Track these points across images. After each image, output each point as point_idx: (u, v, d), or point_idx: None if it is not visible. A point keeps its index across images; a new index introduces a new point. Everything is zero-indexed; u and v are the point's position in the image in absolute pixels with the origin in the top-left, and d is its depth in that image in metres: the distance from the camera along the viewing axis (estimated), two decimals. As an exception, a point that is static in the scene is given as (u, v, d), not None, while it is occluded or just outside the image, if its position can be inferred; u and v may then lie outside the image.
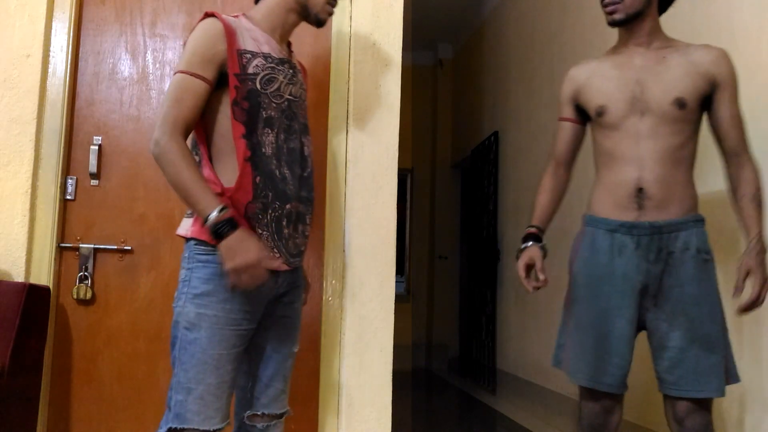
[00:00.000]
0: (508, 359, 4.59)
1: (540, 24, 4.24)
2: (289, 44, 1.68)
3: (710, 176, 2.30)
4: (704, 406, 1.62)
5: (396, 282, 2.19)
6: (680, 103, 1.66)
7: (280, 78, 1.55)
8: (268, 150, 1.50)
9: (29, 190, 2.05)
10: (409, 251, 6.49)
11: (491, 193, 5.01)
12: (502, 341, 4.73)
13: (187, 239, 1.50)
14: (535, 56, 4.30)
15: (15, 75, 2.08)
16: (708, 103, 1.71)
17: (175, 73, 1.47)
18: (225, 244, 1.37)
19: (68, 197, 2.11)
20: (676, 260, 1.65)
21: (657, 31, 1.75)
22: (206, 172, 1.48)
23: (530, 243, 1.84)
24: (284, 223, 1.53)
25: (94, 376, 2.09)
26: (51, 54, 2.12)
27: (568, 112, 1.86)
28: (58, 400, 2.07)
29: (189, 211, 1.51)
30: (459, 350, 6.09)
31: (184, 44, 1.52)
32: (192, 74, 1.45)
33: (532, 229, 1.87)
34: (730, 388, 1.62)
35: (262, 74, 1.51)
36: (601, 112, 1.73)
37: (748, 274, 1.61)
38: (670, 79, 1.68)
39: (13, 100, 2.07)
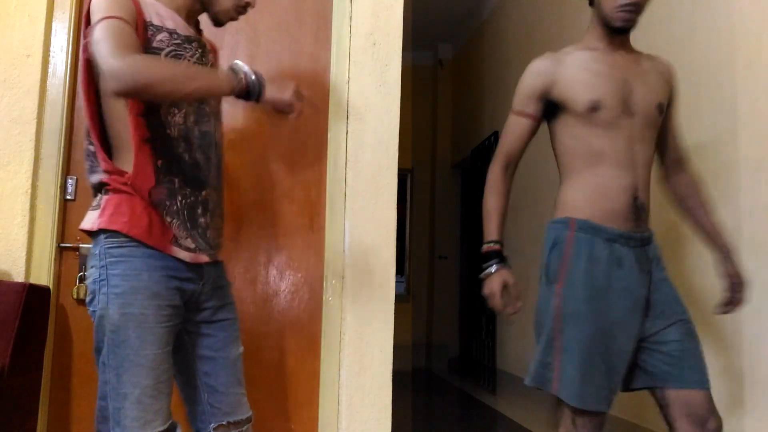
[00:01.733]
0: (508, 359, 4.59)
1: (540, 24, 4.24)
2: (197, 23, 1.57)
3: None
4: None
5: (396, 282, 2.18)
6: (661, 109, 1.68)
7: (188, 56, 1.44)
8: (173, 131, 1.39)
9: (29, 190, 2.05)
10: (409, 251, 6.49)
11: (491, 193, 5.00)
12: (502, 341, 4.73)
13: (95, 233, 1.36)
14: (535, 56, 4.29)
15: (15, 75, 2.08)
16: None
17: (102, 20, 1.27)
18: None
19: (68, 197, 2.11)
20: (654, 269, 1.66)
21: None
22: (104, 164, 1.36)
23: (495, 264, 1.70)
24: (200, 211, 1.44)
25: (94, 376, 2.08)
26: (51, 54, 2.12)
27: (533, 108, 1.72)
28: (58, 400, 2.07)
29: (94, 203, 1.40)
30: (459, 350, 6.09)
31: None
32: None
33: (495, 246, 1.73)
34: None
35: (167, 50, 1.39)
36: (596, 107, 1.63)
37: (737, 283, 1.72)
38: (651, 83, 1.68)
39: (13, 100, 2.07)
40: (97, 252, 1.36)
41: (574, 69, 1.68)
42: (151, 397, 1.34)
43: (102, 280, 1.34)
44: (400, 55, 2.21)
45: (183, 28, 1.46)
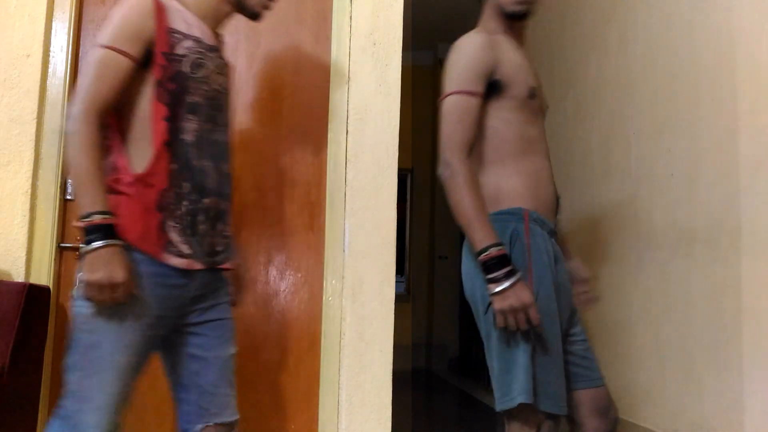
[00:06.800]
0: (508, 359, 4.58)
1: (540, 24, 4.24)
2: (219, 35, 1.58)
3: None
4: None
5: (396, 282, 2.18)
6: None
7: (210, 65, 1.47)
8: (188, 137, 1.41)
9: (29, 190, 2.05)
10: (409, 251, 6.49)
11: (491, 193, 5.01)
12: (502, 341, 4.72)
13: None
14: (534, 56, 4.29)
15: (15, 75, 2.08)
16: None
17: (98, 47, 1.36)
18: (93, 252, 1.26)
19: (68, 197, 2.11)
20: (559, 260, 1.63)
21: None
22: (117, 158, 1.38)
23: (515, 277, 1.44)
24: (200, 218, 1.43)
25: (94, 376, 2.09)
26: (51, 54, 2.12)
27: (481, 86, 1.54)
28: (58, 400, 2.07)
29: None
30: (459, 350, 6.09)
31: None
32: (117, 50, 1.34)
33: (503, 249, 1.47)
34: None
35: (191, 57, 1.42)
36: (533, 95, 1.59)
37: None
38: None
39: (13, 100, 2.07)
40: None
41: (510, 52, 1.59)
42: (113, 405, 1.32)
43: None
44: (400, 55, 2.21)
45: (208, 38, 1.50)
